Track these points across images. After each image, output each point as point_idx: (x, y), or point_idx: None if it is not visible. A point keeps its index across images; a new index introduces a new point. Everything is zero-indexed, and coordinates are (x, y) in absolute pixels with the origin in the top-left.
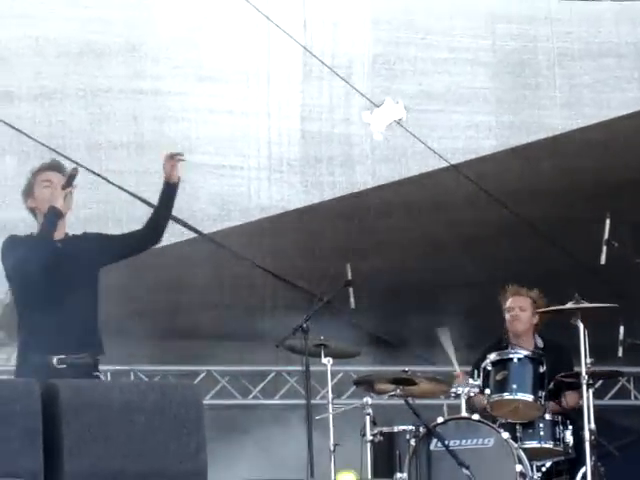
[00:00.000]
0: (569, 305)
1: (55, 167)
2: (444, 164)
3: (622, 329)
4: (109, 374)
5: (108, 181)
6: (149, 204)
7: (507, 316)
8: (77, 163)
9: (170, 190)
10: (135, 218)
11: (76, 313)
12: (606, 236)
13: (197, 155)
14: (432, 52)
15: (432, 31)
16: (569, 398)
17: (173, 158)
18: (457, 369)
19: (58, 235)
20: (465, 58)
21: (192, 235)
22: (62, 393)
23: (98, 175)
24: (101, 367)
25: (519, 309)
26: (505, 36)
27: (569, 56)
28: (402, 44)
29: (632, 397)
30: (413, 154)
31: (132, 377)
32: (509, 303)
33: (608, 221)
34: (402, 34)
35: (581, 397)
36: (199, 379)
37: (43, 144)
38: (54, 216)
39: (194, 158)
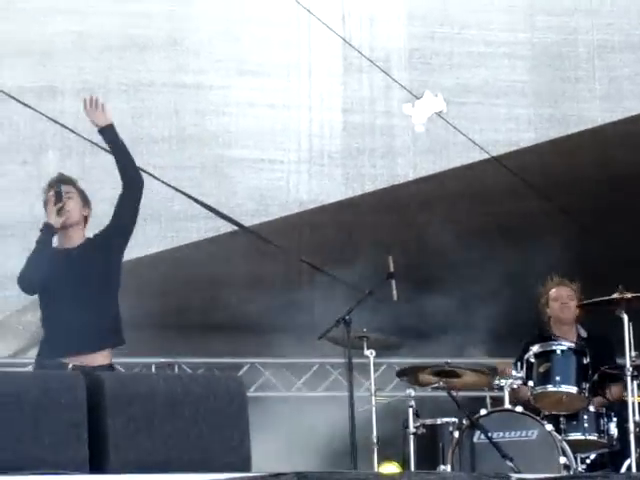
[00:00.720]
0: (614, 296)
1: (62, 181)
2: (485, 156)
3: None
4: (153, 367)
5: (150, 174)
6: (191, 198)
7: (555, 305)
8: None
9: (107, 136)
10: (174, 213)
11: (92, 312)
12: None
13: (237, 149)
14: (468, 46)
15: (468, 25)
16: (614, 390)
17: (91, 106)
18: (499, 363)
19: (72, 243)
20: (502, 52)
21: (230, 229)
22: (107, 385)
23: (140, 169)
24: (145, 360)
25: (567, 297)
26: (544, 29)
27: (609, 48)
28: (438, 39)
29: None
30: (454, 146)
31: (176, 370)
32: (555, 293)
33: None
34: (437, 29)
35: (625, 389)
36: (243, 371)
37: (86, 138)
38: (47, 233)
39: (233, 152)
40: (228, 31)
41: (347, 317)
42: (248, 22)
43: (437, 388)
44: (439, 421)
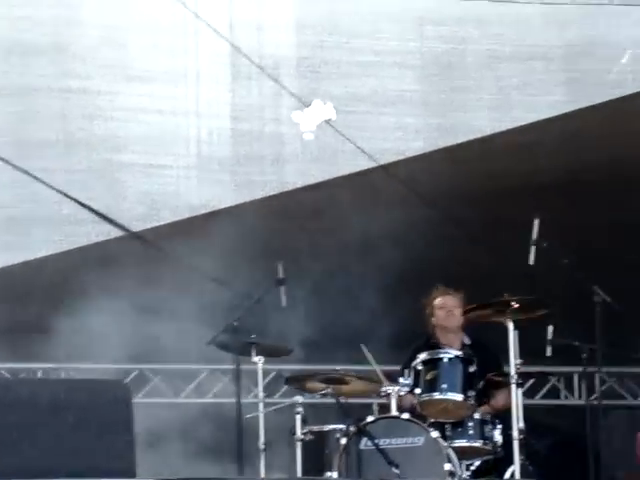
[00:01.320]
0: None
1: None
2: (373, 164)
3: (550, 329)
4: (39, 372)
5: (37, 178)
6: (78, 202)
7: (440, 314)
8: (4, 160)
9: None
10: (62, 217)
11: None
12: (535, 237)
13: (126, 154)
14: (358, 55)
15: (357, 34)
16: (499, 398)
17: None
18: (385, 380)
19: None
20: (392, 61)
21: (120, 233)
22: None
23: (26, 172)
24: (33, 365)
25: (452, 307)
26: (433, 38)
27: (498, 58)
28: (327, 47)
29: (562, 397)
30: (343, 154)
31: (62, 375)
32: (440, 301)
33: (537, 222)
34: (327, 37)
35: (510, 396)
36: (130, 378)
37: None
38: None
39: (122, 157)
40: (114, 37)
41: (235, 323)
42: (135, 28)
43: (325, 395)
44: (326, 428)
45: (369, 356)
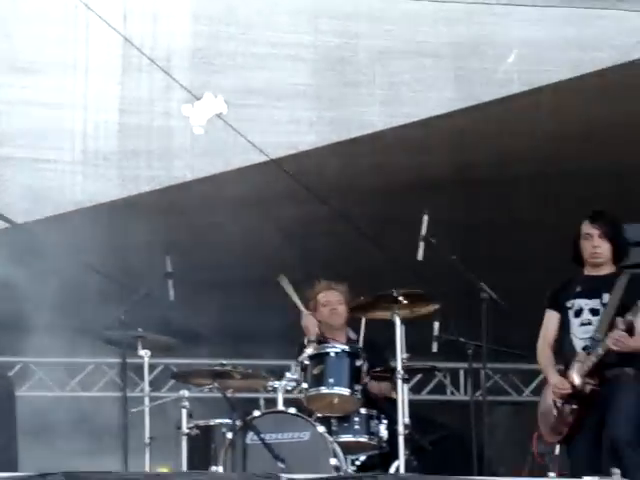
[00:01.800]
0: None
1: None
2: (265, 158)
3: (437, 325)
4: None
5: None
6: None
7: (324, 311)
8: None
9: None
10: None
11: None
12: (423, 233)
13: (9, 148)
14: (252, 47)
15: (253, 26)
16: (383, 386)
17: None
18: (304, 310)
19: None
20: (286, 54)
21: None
22: None
23: None
24: None
25: (336, 302)
26: (327, 32)
27: (389, 54)
28: (222, 39)
29: (448, 392)
30: (234, 148)
31: None
32: (323, 297)
33: (426, 218)
34: (223, 28)
35: (394, 390)
36: (15, 371)
37: None
38: None
39: (5, 151)
40: None
41: (122, 317)
42: (21, 18)
43: (212, 389)
44: (212, 422)
45: (288, 287)
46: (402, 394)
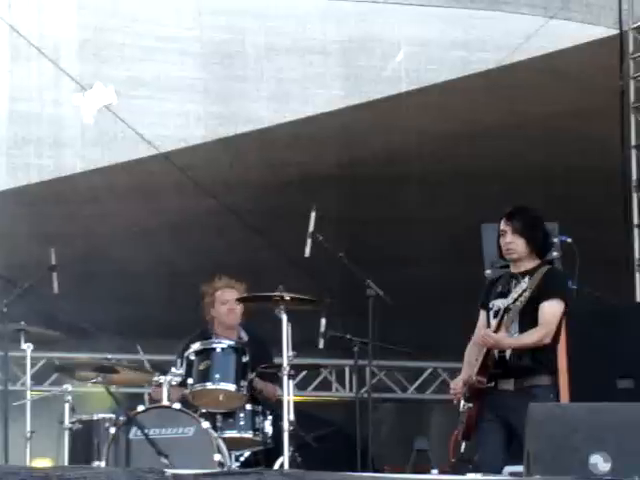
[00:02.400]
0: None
1: None
2: (154, 151)
3: (323, 321)
4: None
5: None
6: None
7: (222, 309)
8: None
9: None
10: None
11: None
12: (311, 229)
13: None
14: (139, 40)
15: (139, 19)
16: (269, 388)
17: None
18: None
19: None
20: (173, 47)
21: None
22: None
23: None
24: None
25: (235, 302)
26: (213, 27)
27: (276, 51)
28: (109, 30)
29: (333, 389)
30: (123, 140)
31: None
32: (222, 296)
33: (313, 214)
34: (109, 20)
35: (281, 389)
36: None
37: None
38: None
39: None
40: None
41: (5, 309)
42: None
43: (96, 384)
44: (95, 417)
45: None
46: (287, 391)
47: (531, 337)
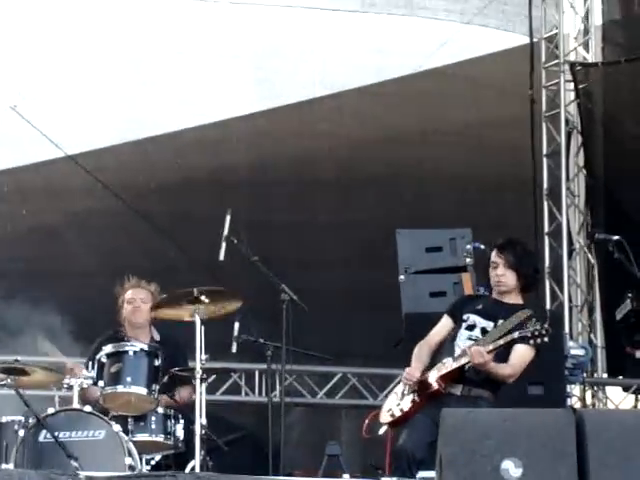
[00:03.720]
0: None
1: None
2: (61, 154)
3: (237, 325)
4: None
5: None
6: None
7: (128, 307)
8: None
9: None
10: None
11: None
12: (226, 232)
13: None
14: (49, 41)
15: (49, 19)
16: (183, 392)
17: None
18: (68, 362)
19: None
20: (83, 49)
21: None
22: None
23: None
24: None
25: (140, 301)
26: (125, 29)
27: (186, 54)
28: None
29: (243, 393)
30: (31, 141)
31: None
32: (130, 294)
33: (228, 217)
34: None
35: (194, 392)
36: None
37: None
38: None
39: None
40: None
41: None
42: None
43: (4, 386)
44: (4, 419)
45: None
46: (200, 394)
47: (505, 370)
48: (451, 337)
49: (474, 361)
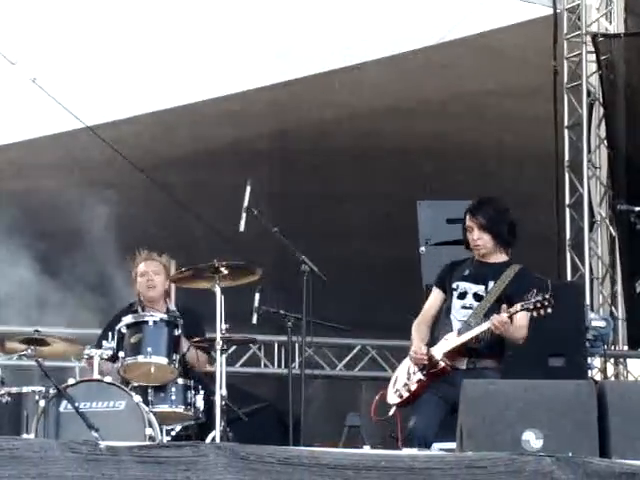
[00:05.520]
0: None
1: None
2: (81, 125)
3: (257, 296)
4: None
5: None
6: None
7: (141, 281)
8: None
9: None
10: None
11: None
12: (246, 204)
13: None
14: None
15: None
16: (201, 358)
17: None
18: None
19: None
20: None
21: None
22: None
23: None
24: None
25: (153, 273)
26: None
27: (206, 27)
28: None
29: (262, 365)
30: (50, 113)
31: None
32: (142, 268)
33: (249, 189)
34: None
35: (209, 361)
36: None
37: None
38: None
39: None
40: None
41: None
42: None
43: (25, 356)
44: (25, 389)
45: None
46: (220, 365)
47: (522, 333)
48: (446, 309)
49: (499, 331)
